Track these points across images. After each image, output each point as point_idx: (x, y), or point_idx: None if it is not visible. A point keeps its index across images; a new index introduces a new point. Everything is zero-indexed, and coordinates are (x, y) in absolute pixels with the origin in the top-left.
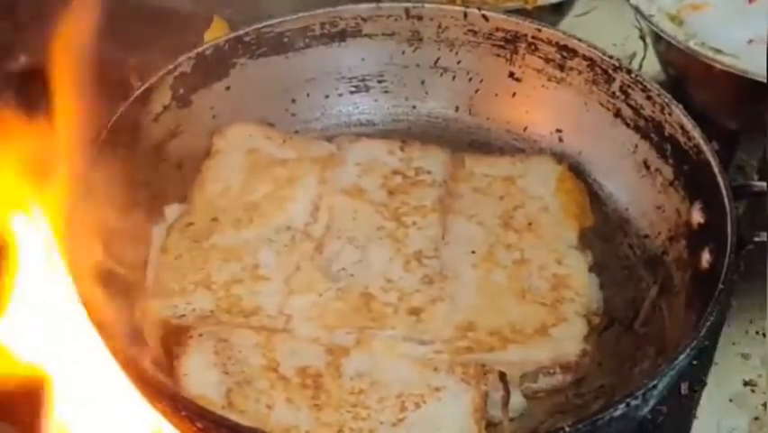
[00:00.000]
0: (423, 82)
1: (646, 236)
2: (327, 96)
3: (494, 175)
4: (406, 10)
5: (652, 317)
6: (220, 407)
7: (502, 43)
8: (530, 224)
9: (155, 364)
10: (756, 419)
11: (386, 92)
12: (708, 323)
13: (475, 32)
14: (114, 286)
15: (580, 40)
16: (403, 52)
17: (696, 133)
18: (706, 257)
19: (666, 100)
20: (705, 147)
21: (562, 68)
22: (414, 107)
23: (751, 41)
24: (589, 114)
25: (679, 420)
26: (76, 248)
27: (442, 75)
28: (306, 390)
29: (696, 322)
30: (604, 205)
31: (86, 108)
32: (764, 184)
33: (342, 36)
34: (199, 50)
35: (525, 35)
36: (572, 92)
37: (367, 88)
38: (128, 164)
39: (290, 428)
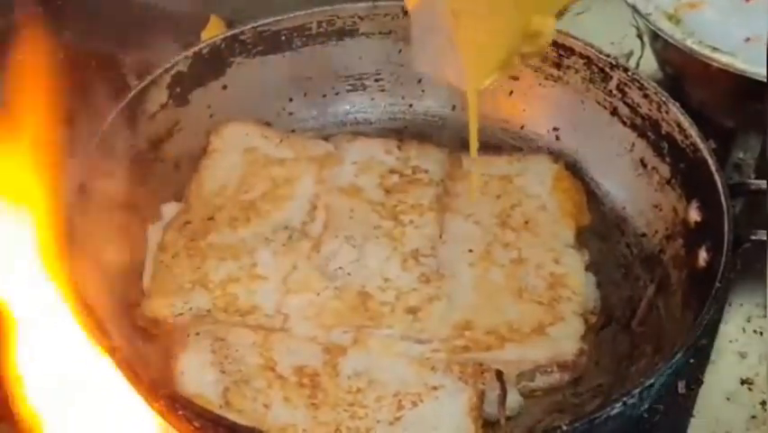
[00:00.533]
0: (419, 81)
1: (643, 235)
2: (324, 95)
3: (491, 174)
4: (404, 8)
5: (649, 315)
6: (217, 406)
7: None
8: (527, 222)
9: (151, 364)
10: (753, 417)
11: (383, 91)
12: (705, 321)
13: None
14: (112, 285)
15: (576, 38)
16: (400, 51)
17: (693, 132)
18: (703, 255)
19: (663, 98)
20: (702, 145)
21: (558, 66)
22: (411, 106)
23: (748, 40)
24: (586, 112)
25: (676, 419)
26: (73, 247)
27: None
28: (303, 389)
29: (693, 320)
30: (601, 203)
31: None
32: (761, 182)
33: (339, 35)
34: (196, 48)
35: None
36: (569, 90)
37: (364, 87)
38: (125, 163)
39: (287, 427)
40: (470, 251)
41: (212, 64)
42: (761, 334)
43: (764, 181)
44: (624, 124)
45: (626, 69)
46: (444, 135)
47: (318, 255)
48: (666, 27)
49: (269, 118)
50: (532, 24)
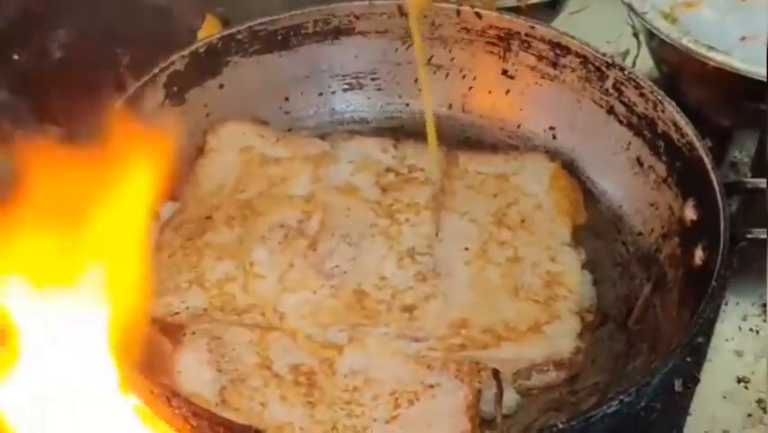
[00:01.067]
0: (416, 80)
1: (640, 233)
2: (321, 94)
3: (487, 172)
4: (399, 7)
5: (645, 314)
6: (214, 404)
7: (495, 41)
8: (523, 221)
9: (148, 362)
10: (750, 415)
11: (379, 90)
12: (702, 320)
13: (468, 30)
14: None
15: (573, 37)
16: (396, 50)
17: (689, 130)
18: (699, 254)
19: (659, 97)
20: (698, 144)
21: (555, 65)
22: (407, 105)
23: (744, 39)
24: (583, 111)
25: (672, 417)
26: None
27: (435, 72)
28: (299, 387)
29: (689, 319)
30: (597, 202)
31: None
32: (758, 181)
33: (335, 34)
34: (192, 48)
35: (519, 33)
36: (566, 89)
37: (360, 86)
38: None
39: (284, 426)
40: (467, 249)
41: (208, 63)
42: (757, 332)
43: (761, 180)
44: (620, 122)
45: (622, 68)
46: (441, 134)
47: (314, 254)
48: (662, 26)
49: (265, 117)
50: None
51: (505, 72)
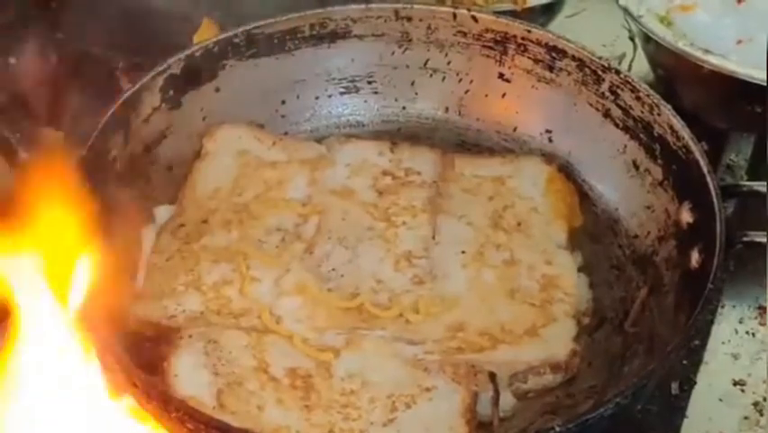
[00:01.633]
0: (412, 83)
1: (636, 236)
2: (317, 98)
3: (484, 175)
4: (396, 11)
5: (641, 316)
6: (211, 408)
7: (492, 44)
8: (519, 224)
9: (145, 366)
10: (746, 418)
11: (375, 93)
12: (698, 322)
13: (465, 33)
14: (105, 287)
15: (569, 41)
16: (393, 53)
17: (685, 134)
18: (695, 257)
19: (655, 101)
20: (694, 147)
21: (551, 68)
22: (404, 108)
23: (740, 42)
24: (579, 114)
25: (669, 420)
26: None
27: (431, 76)
28: (296, 391)
29: (685, 322)
30: (593, 205)
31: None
32: (753, 184)
33: (331, 37)
34: (189, 51)
35: (515, 36)
36: (562, 93)
37: (357, 89)
38: (118, 166)
39: (281, 429)
40: (463, 252)
41: (205, 67)
42: (753, 335)
43: (757, 183)
44: (616, 126)
45: (618, 72)
46: (437, 137)
47: (311, 257)
48: (658, 29)
49: (261, 121)
50: None
51: (501, 76)
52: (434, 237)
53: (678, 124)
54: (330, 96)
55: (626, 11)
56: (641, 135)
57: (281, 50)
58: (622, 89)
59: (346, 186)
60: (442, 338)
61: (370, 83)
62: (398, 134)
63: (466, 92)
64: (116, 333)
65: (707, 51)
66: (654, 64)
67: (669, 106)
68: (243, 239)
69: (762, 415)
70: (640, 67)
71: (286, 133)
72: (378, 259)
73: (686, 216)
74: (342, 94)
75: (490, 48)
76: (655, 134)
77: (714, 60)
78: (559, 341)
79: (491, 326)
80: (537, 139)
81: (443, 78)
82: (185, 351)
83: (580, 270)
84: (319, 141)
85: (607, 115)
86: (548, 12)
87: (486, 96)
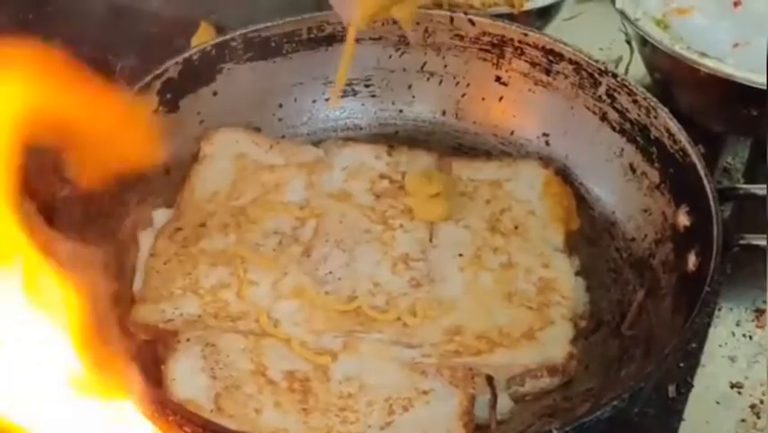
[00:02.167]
0: (410, 86)
1: (633, 239)
2: (314, 101)
3: (481, 179)
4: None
5: (638, 319)
6: (208, 411)
7: (489, 48)
8: (517, 227)
9: (142, 369)
10: (743, 421)
11: (373, 96)
12: (695, 325)
13: (462, 37)
14: (102, 291)
15: (566, 44)
16: (390, 57)
17: (682, 137)
18: (692, 260)
19: (652, 104)
20: (691, 150)
21: (548, 72)
22: (401, 112)
23: (736, 45)
24: (576, 117)
25: (666, 422)
26: (62, 253)
27: (428, 79)
28: (294, 394)
29: (682, 324)
30: (590, 208)
31: None
32: (750, 187)
33: (328, 41)
34: (186, 55)
35: (512, 39)
36: (559, 96)
37: (354, 93)
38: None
39: (278, 432)
40: (460, 255)
41: (202, 70)
42: (750, 338)
43: (754, 186)
44: (613, 129)
45: (615, 75)
46: (434, 141)
47: (309, 260)
48: (654, 33)
49: (259, 124)
50: None
51: (498, 79)
52: (431, 240)
53: (675, 127)
54: (327, 100)
55: (622, 14)
56: (638, 138)
57: (279, 54)
58: (619, 93)
59: (343, 189)
60: (439, 341)
61: (367, 86)
62: (396, 138)
63: (463, 95)
64: (114, 337)
65: (703, 55)
66: (651, 67)
67: (666, 110)
68: (241, 242)
69: (759, 418)
70: (637, 70)
71: (283, 137)
72: (375, 262)
73: (683, 219)
74: (339, 97)
75: (487, 51)
76: (652, 138)
77: (710, 64)
78: (556, 344)
79: (489, 329)
80: (534, 142)
81: (441, 82)
82: (182, 354)
83: (577, 273)
84: (316, 144)
85: (604, 118)
86: (545, 15)
87: (483, 99)
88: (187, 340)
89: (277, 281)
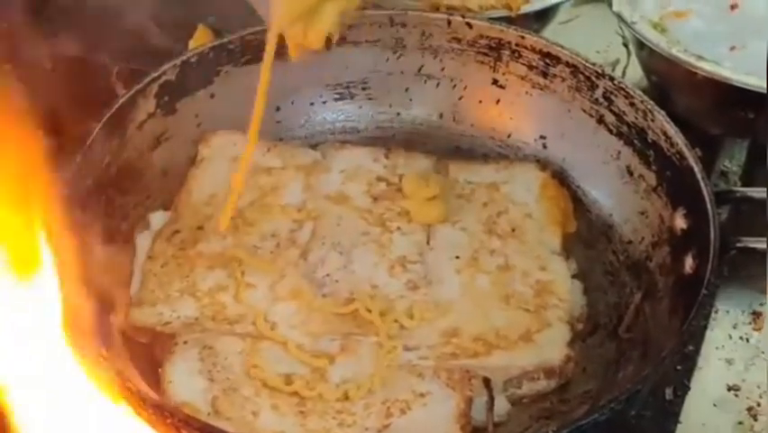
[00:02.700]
0: (407, 89)
1: (630, 242)
2: (312, 104)
3: (478, 182)
4: (390, 17)
5: (635, 322)
6: (206, 414)
7: (486, 51)
8: (514, 230)
9: (140, 372)
10: (740, 423)
11: (370, 99)
12: (692, 328)
13: (459, 40)
14: (99, 293)
15: (563, 47)
16: (387, 59)
17: (679, 140)
18: (689, 262)
19: (649, 107)
20: (688, 153)
21: (545, 75)
22: (398, 114)
23: (733, 48)
24: (573, 120)
25: (663, 425)
26: (60, 255)
27: (426, 82)
28: (291, 397)
29: (679, 327)
30: (588, 211)
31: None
32: (747, 190)
33: (326, 44)
34: (184, 57)
35: (509, 42)
36: (556, 99)
37: (351, 96)
38: (113, 172)
39: None
40: (457, 258)
41: (200, 73)
42: (747, 340)
43: (751, 189)
44: (610, 132)
45: (611, 78)
46: (432, 144)
47: (306, 263)
48: (652, 36)
49: None
50: None
51: (495, 82)
52: (428, 243)
53: (672, 130)
54: (325, 103)
55: (619, 17)
56: (635, 141)
57: (276, 57)
58: (616, 95)
59: (341, 192)
60: (436, 344)
61: (364, 89)
62: (393, 141)
63: (460, 98)
64: (111, 340)
65: (700, 58)
66: (648, 70)
67: (663, 113)
68: (238, 245)
69: (756, 420)
70: (634, 73)
71: (281, 140)
72: (372, 264)
73: (680, 222)
74: (336, 100)
75: (485, 54)
76: (649, 140)
77: (707, 67)
78: (553, 346)
79: (486, 331)
80: (531, 145)
81: (438, 85)
82: (180, 357)
83: (574, 275)
84: (314, 147)
85: (601, 121)
86: (542, 18)
87: (480, 102)
88: (185, 343)
89: (274, 284)
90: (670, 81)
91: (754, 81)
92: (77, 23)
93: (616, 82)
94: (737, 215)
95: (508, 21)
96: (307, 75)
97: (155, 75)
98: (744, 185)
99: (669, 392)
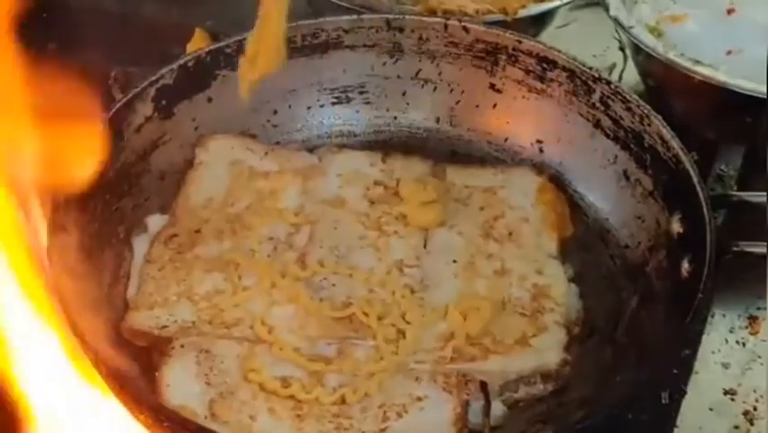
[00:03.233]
0: (404, 93)
1: (626, 246)
2: (309, 108)
3: (475, 186)
4: (388, 21)
5: (632, 326)
6: (203, 418)
7: (483, 55)
8: (510, 234)
9: (137, 376)
10: (736, 427)
11: (367, 103)
12: (688, 332)
13: (456, 44)
14: (96, 297)
15: (560, 51)
16: (384, 64)
17: (675, 144)
18: (685, 266)
19: (645, 111)
20: (684, 157)
21: (542, 79)
22: (395, 118)
23: (729, 53)
24: (570, 125)
25: (659, 429)
26: (57, 258)
27: (423, 86)
28: (288, 400)
29: (676, 331)
30: (584, 215)
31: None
32: (743, 194)
33: (323, 48)
34: (181, 61)
35: (506, 47)
36: (553, 103)
37: (348, 100)
38: (110, 175)
39: None
40: (454, 262)
41: (197, 77)
42: (743, 344)
43: (747, 193)
44: (607, 136)
45: (608, 82)
46: (428, 147)
47: (303, 267)
48: (648, 40)
49: (254, 131)
50: None
51: (492, 86)
52: (425, 247)
53: (668, 134)
54: (322, 107)
55: (616, 21)
56: (631, 146)
57: None
58: (612, 100)
59: (338, 196)
60: (433, 348)
61: (361, 93)
62: (390, 145)
63: (457, 102)
64: (108, 343)
65: (697, 62)
66: (645, 75)
67: (659, 117)
68: (236, 249)
69: (752, 424)
70: (630, 77)
71: (278, 143)
72: (369, 268)
73: (676, 226)
74: (333, 104)
75: (481, 58)
76: (646, 145)
77: (704, 71)
78: (550, 350)
79: (482, 335)
80: (528, 149)
81: (435, 89)
82: (177, 361)
83: (570, 279)
84: (311, 151)
85: (597, 125)
86: (539, 22)
87: (477, 106)
88: (182, 346)
89: (271, 288)
90: (666, 85)
91: (750, 86)
92: (75, 26)
93: (612, 86)
94: (734, 219)
95: (505, 25)
96: (305, 79)
97: (153, 79)
98: (740, 189)
99: (665, 396)
